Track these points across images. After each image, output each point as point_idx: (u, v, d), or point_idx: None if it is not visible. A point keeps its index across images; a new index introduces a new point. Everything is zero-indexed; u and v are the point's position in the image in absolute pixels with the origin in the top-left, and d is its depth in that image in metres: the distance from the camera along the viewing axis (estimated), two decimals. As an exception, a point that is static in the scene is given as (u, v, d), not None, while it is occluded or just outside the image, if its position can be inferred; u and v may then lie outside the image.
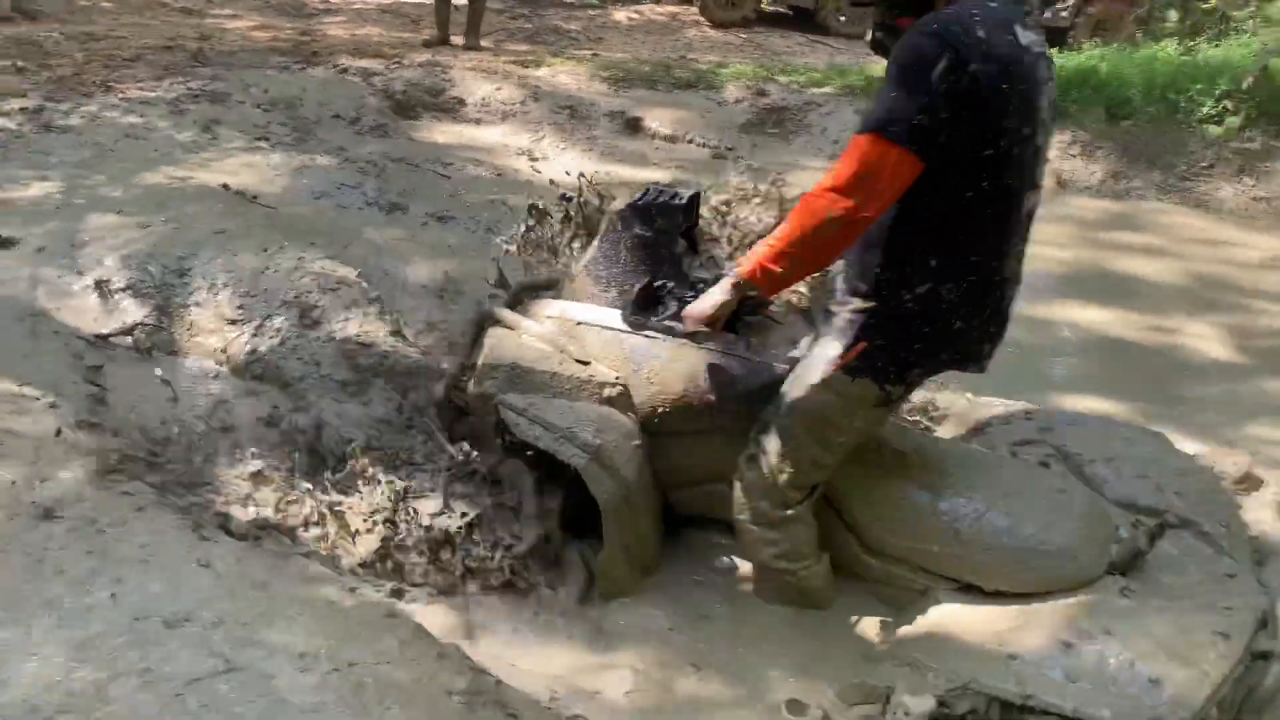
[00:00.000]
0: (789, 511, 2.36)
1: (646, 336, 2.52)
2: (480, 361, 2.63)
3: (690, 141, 7.01)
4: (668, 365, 2.50)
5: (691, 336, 2.40)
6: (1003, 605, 2.30)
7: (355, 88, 6.82)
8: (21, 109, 5.36)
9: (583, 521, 2.55)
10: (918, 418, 3.19)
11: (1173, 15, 9.10)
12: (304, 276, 3.63)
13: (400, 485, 2.53)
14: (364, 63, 7.35)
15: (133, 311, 3.52)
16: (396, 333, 3.56)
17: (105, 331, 3.46)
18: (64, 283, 3.59)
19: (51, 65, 6.57)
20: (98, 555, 2.05)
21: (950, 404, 3.23)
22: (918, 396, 3.31)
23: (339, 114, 6.30)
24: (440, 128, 6.68)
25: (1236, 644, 2.10)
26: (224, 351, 3.43)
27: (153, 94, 6.00)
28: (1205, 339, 4.39)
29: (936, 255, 2.09)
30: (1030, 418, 2.91)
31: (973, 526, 2.36)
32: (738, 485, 2.40)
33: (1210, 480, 2.75)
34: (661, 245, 2.60)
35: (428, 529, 2.42)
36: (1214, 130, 6.76)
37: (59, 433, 2.54)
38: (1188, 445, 3.26)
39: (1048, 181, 6.54)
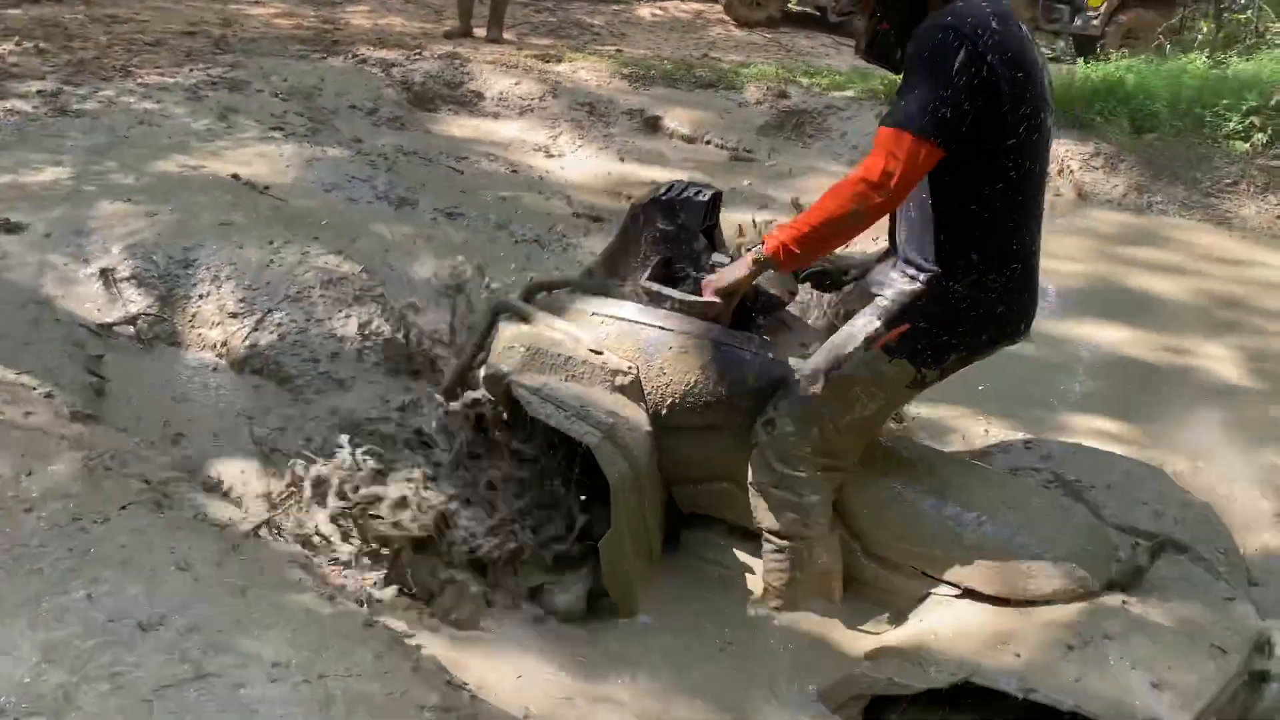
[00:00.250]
0: (803, 474, 2.37)
1: (658, 328, 2.50)
2: (494, 344, 2.62)
3: (709, 142, 6.96)
4: (680, 357, 2.48)
5: (706, 309, 2.42)
6: (1004, 610, 2.29)
7: (374, 79, 6.81)
8: (39, 92, 5.39)
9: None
10: (923, 434, 3.16)
11: (1204, 27, 8.96)
12: (308, 271, 3.62)
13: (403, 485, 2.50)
14: (384, 53, 7.34)
15: (136, 301, 3.54)
16: (400, 329, 3.55)
17: (108, 321, 3.47)
18: (69, 270, 3.61)
19: (73, 48, 6.60)
20: (77, 554, 2.03)
21: (954, 425, 3.19)
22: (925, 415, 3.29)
23: (356, 105, 6.29)
24: (457, 121, 6.66)
25: (1234, 659, 2.09)
26: (224, 345, 3.43)
27: (171, 80, 6.02)
28: (1220, 361, 4.31)
29: (979, 248, 2.20)
30: (1030, 447, 2.87)
31: (975, 533, 2.36)
32: (754, 451, 2.42)
33: (1207, 510, 2.72)
34: (682, 241, 2.59)
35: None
36: (1240, 147, 6.64)
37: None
38: (1195, 473, 3.24)
39: (1069, 193, 6.54)
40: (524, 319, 2.65)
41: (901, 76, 2.10)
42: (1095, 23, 10.99)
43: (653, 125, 7.06)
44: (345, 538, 2.46)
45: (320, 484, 2.44)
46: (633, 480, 2.39)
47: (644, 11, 11.60)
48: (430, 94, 6.91)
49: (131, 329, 3.47)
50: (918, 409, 3.35)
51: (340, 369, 3.30)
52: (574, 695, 2.17)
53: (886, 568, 2.47)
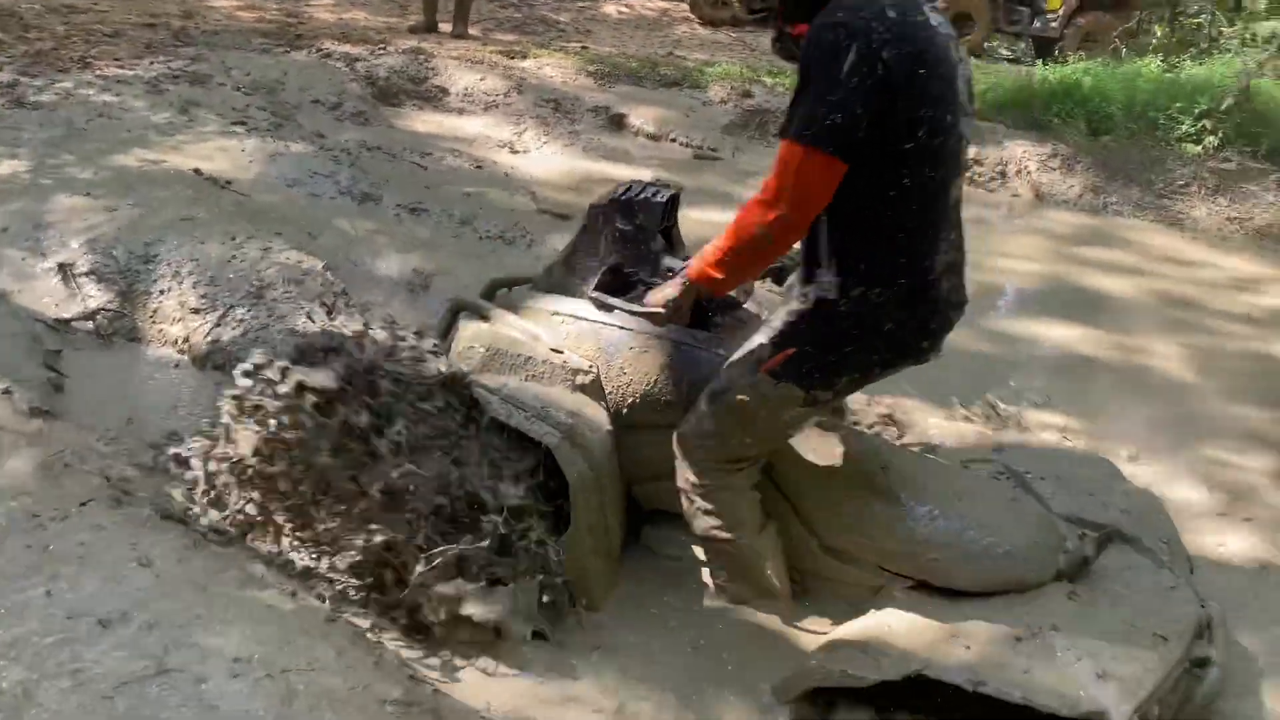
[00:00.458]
0: (709, 482, 2.37)
1: (618, 327, 2.53)
2: (454, 344, 2.64)
3: (673, 140, 7.00)
4: (639, 357, 2.51)
5: (650, 317, 2.43)
6: (955, 602, 2.34)
7: (337, 73, 6.78)
8: (-5, 84, 5.32)
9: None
10: (876, 427, 3.21)
11: (1159, 31, 9.13)
12: (270, 267, 3.62)
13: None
14: (348, 48, 7.31)
15: (96, 297, 3.52)
16: (362, 326, 3.55)
17: (66, 316, 3.45)
18: (26, 265, 3.58)
19: (29, 38, 6.51)
20: (36, 550, 2.03)
21: (907, 419, 3.25)
22: (876, 406, 3.34)
23: (320, 99, 6.26)
24: (422, 116, 6.64)
25: (1176, 647, 2.15)
26: (186, 340, 3.42)
27: (130, 72, 5.95)
28: (1170, 359, 4.41)
29: (865, 258, 2.06)
30: (980, 440, 2.94)
31: (927, 527, 2.40)
32: (676, 458, 2.42)
33: (1151, 500, 2.80)
34: (640, 241, 2.61)
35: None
36: (1191, 149, 6.80)
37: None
38: (1141, 467, 3.33)
39: (1027, 194, 6.66)
40: (484, 317, 2.67)
41: (798, 77, 1.95)
42: (1054, 25, 11.16)
43: (618, 123, 7.08)
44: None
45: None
46: (593, 480, 2.42)
47: (610, 9, 11.61)
48: (394, 89, 6.89)
49: (91, 324, 3.45)
50: (868, 400, 3.39)
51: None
52: (535, 690, 2.19)
53: (842, 560, 2.51)
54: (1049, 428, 3.53)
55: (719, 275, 2.14)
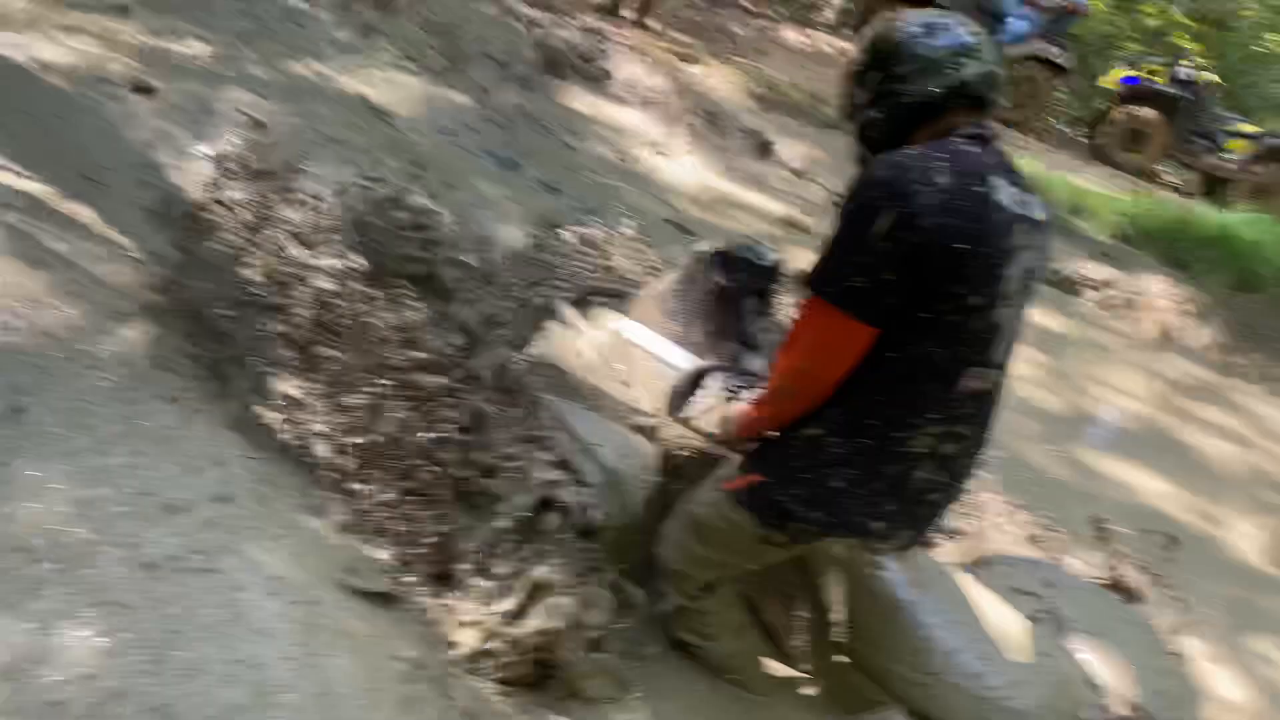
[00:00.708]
0: (684, 601, 2.34)
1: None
2: (531, 353, 2.71)
3: (814, 181, 7.00)
4: (704, 417, 2.54)
5: (707, 436, 2.40)
6: None
7: (515, 32, 6.93)
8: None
9: None
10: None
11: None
12: (398, 210, 3.74)
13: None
14: (531, 10, 7.46)
15: (233, 191, 3.67)
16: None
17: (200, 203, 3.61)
18: (184, 145, 3.76)
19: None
20: (127, 422, 2.17)
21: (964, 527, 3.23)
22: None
23: (491, 54, 6.41)
24: (581, 95, 6.76)
25: None
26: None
27: (325, -20, 6.17)
28: (1249, 540, 4.29)
29: (834, 405, 1.89)
30: (1036, 569, 2.90)
31: (944, 660, 2.36)
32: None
33: (1188, 686, 2.74)
34: (734, 298, 2.66)
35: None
36: (1335, 329, 6.57)
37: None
38: (1186, 641, 3.25)
39: (1152, 331, 6.49)
40: (568, 326, 2.74)
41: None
42: (1229, 165, 10.82)
43: (765, 150, 7.12)
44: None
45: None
46: (623, 532, 2.44)
47: (790, 35, 11.62)
48: (563, 61, 7.01)
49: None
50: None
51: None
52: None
53: (851, 665, 2.50)
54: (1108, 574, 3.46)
55: (762, 429, 2.06)
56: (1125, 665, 2.62)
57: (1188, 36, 14.61)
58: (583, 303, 2.89)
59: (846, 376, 1.85)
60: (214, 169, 3.71)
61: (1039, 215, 1.88)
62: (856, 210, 1.76)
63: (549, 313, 2.81)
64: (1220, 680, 3.14)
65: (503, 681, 2.03)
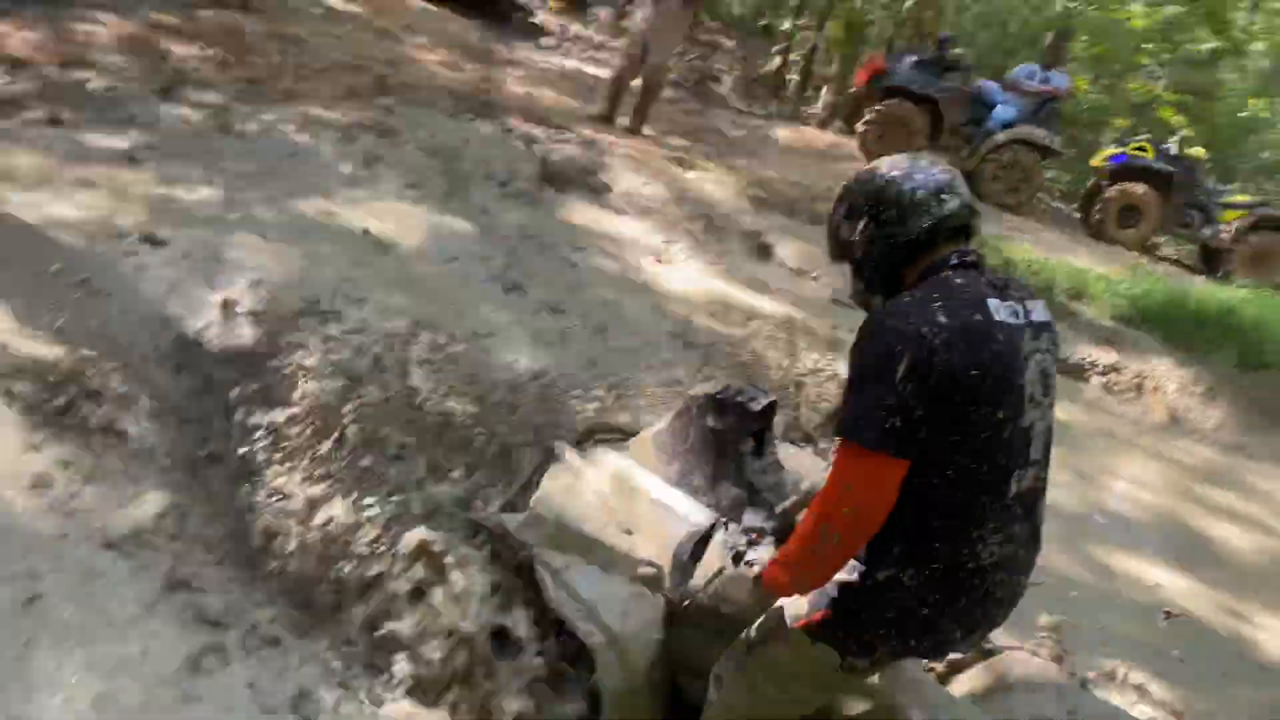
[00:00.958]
0: None
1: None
2: (531, 507, 2.73)
3: (815, 279, 7.08)
4: (708, 562, 2.53)
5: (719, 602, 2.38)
6: None
7: (515, 150, 7.08)
8: (210, 104, 5.76)
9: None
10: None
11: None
12: (412, 346, 3.81)
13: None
14: (528, 126, 7.64)
15: (247, 338, 3.75)
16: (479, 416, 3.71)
17: (216, 350, 3.68)
18: (196, 294, 3.84)
19: (248, 62, 7.02)
20: (143, 605, 2.18)
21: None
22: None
23: (493, 174, 6.54)
24: (582, 208, 6.87)
25: None
26: (316, 399, 3.61)
27: (328, 114, 6.34)
28: (1277, 635, 4.22)
29: (898, 541, 1.98)
30: (1061, 695, 2.85)
31: None
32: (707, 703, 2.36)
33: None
34: (729, 441, 2.69)
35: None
36: (1345, 407, 6.54)
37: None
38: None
39: (1159, 415, 6.48)
40: (570, 469, 2.77)
41: (849, 369, 1.96)
42: (1224, 236, 10.90)
43: (764, 252, 7.21)
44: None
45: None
46: (627, 694, 2.45)
47: (782, 132, 11.86)
48: (564, 175, 7.14)
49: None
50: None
51: (425, 448, 3.45)
52: None
53: None
54: (1135, 690, 3.41)
55: (787, 581, 2.06)
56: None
57: (1172, 109, 14.88)
58: (583, 443, 2.92)
59: (894, 514, 1.92)
60: (223, 316, 3.80)
61: (1040, 317, 2.02)
62: (875, 359, 1.87)
63: (554, 458, 2.84)
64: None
65: None
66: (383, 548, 2.93)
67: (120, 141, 4.97)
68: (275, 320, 3.81)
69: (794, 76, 14.54)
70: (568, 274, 5.53)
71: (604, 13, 14.08)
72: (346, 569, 2.81)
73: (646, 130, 9.12)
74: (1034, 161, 10.68)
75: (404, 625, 2.55)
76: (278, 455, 3.29)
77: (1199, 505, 5.31)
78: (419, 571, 2.73)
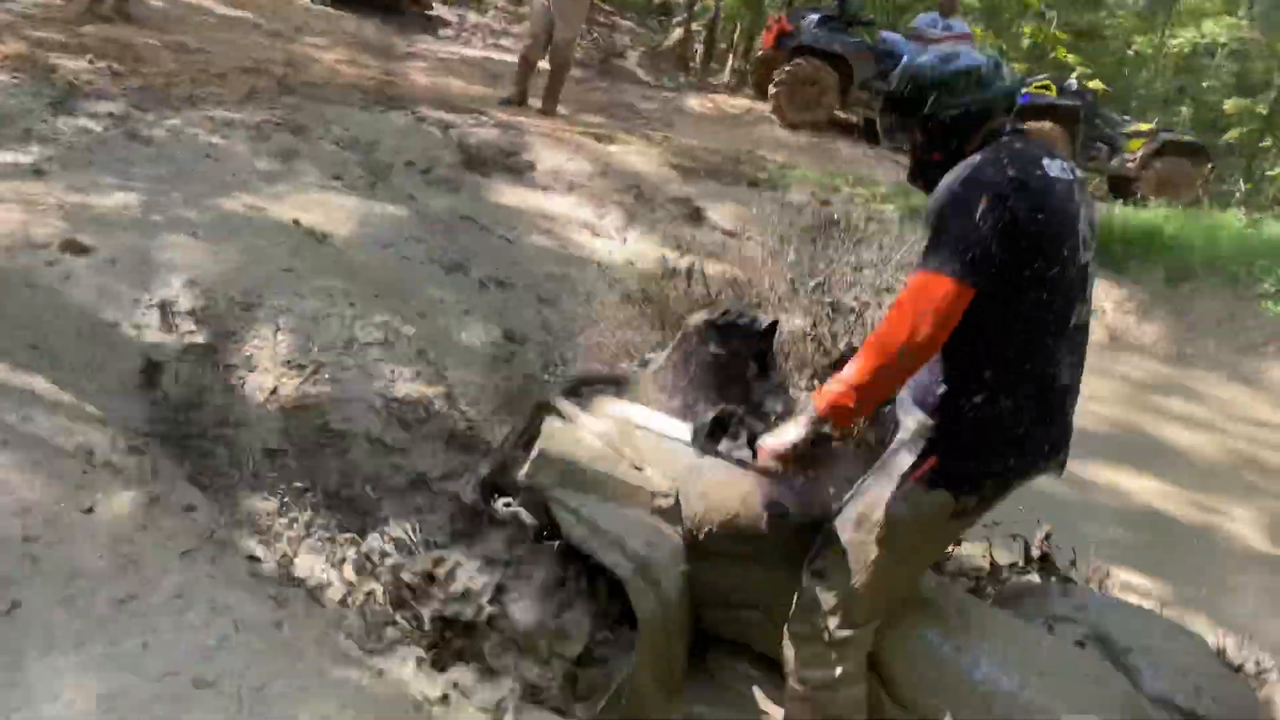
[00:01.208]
0: (845, 633, 2.32)
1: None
2: (535, 452, 2.62)
3: (749, 239, 7.05)
4: (723, 485, 2.47)
5: (764, 471, 2.39)
6: None
7: (432, 138, 6.92)
8: (110, 114, 5.49)
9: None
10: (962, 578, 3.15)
11: (1242, 184, 9.15)
12: (365, 326, 3.66)
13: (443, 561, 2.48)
14: (443, 113, 7.48)
15: (191, 337, 3.56)
16: (447, 395, 3.59)
17: (159, 357, 3.49)
18: (130, 298, 3.64)
19: (143, 72, 6.73)
20: (132, 598, 2.03)
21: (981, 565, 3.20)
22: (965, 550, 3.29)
23: (413, 161, 6.37)
24: (508, 190, 6.74)
25: None
26: (274, 391, 3.45)
27: (236, 116, 6.10)
28: (1246, 524, 4.32)
29: (990, 369, 2.22)
30: (1067, 594, 2.86)
31: (1006, 701, 2.31)
32: (799, 600, 2.37)
33: (1246, 691, 2.69)
34: (733, 366, 2.61)
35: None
36: (1273, 309, 6.74)
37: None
38: (1223, 638, 3.22)
39: (1101, 336, 6.61)
40: (568, 420, 2.66)
41: (929, 226, 2.16)
42: (1131, 166, 11.21)
43: (696, 216, 7.15)
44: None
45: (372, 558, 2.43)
46: (661, 617, 2.37)
47: (694, 102, 11.83)
48: (484, 159, 7.00)
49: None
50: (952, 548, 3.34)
51: (389, 430, 3.31)
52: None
53: (910, 713, 2.43)
54: (1127, 586, 3.44)
55: (851, 404, 2.20)
56: (1178, 676, 2.57)
57: (1064, 50, 15.25)
58: (576, 393, 2.82)
59: (984, 344, 2.18)
60: (162, 319, 3.61)
61: (1080, 175, 2.29)
62: (955, 204, 2.10)
63: (546, 409, 2.73)
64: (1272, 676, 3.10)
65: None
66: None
67: (22, 156, 4.69)
68: (217, 317, 3.63)
69: (699, 46, 14.54)
70: (506, 251, 5.41)
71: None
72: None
73: (560, 110, 9.00)
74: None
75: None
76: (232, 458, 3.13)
77: (1152, 414, 5.43)
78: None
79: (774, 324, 2.72)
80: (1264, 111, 15.53)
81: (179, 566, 2.18)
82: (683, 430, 2.57)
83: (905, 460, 2.28)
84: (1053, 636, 2.65)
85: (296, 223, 4.53)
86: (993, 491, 2.32)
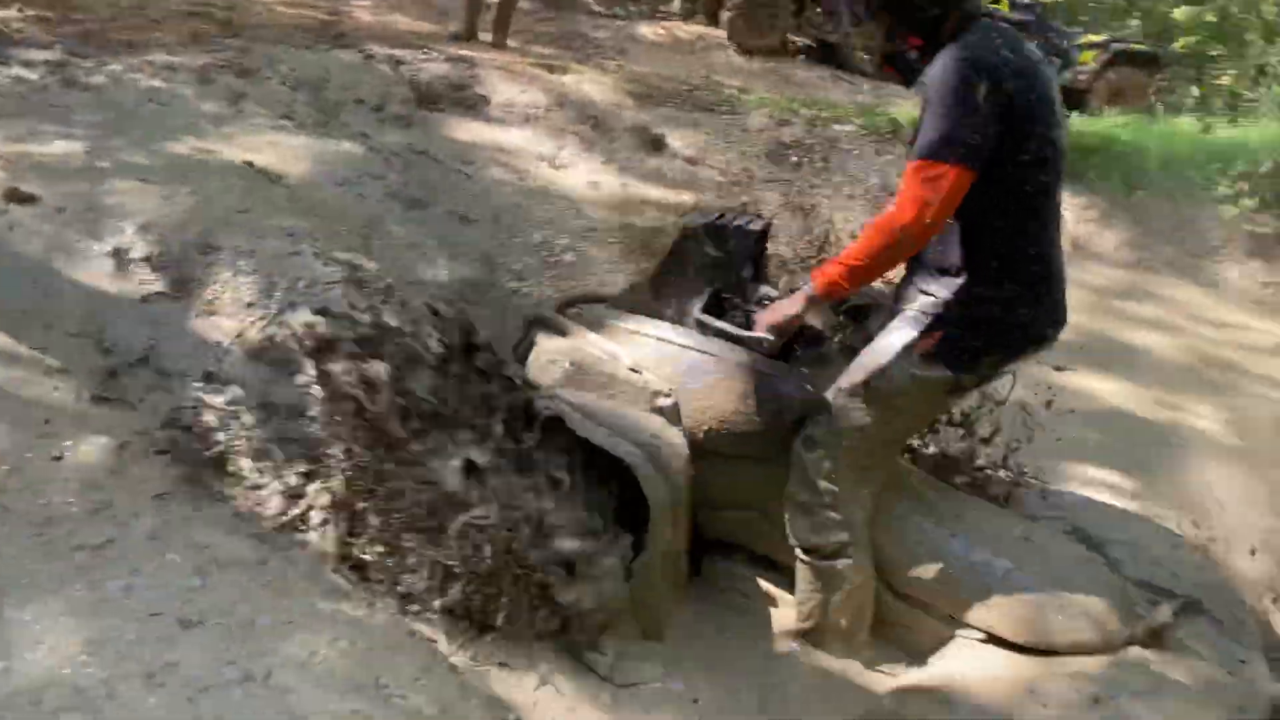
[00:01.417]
0: (845, 489, 2.40)
1: (699, 352, 2.51)
2: (532, 359, 2.61)
3: (710, 165, 6.98)
4: (720, 384, 2.49)
5: (758, 344, 2.44)
6: (1028, 659, 2.33)
7: (382, 75, 6.74)
8: (45, 61, 5.28)
9: None
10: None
11: (1194, 90, 9.18)
12: (327, 265, 3.58)
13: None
14: (391, 50, 7.28)
15: (149, 284, 3.47)
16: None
17: (116, 304, 3.40)
18: (81, 246, 3.53)
19: (75, 19, 6.48)
20: (110, 542, 1.99)
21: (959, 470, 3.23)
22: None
23: (364, 99, 6.21)
24: (463, 124, 6.60)
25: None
26: (239, 335, 3.38)
27: (178, 59, 5.89)
28: (1208, 420, 4.40)
29: (998, 255, 2.31)
30: (1045, 497, 2.91)
31: (1003, 581, 2.40)
32: (794, 469, 2.44)
33: (1219, 572, 2.78)
34: (729, 267, 2.60)
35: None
36: (1228, 211, 6.81)
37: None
38: (1191, 531, 3.29)
39: (1063, 245, 6.64)
40: (561, 333, 2.64)
41: (924, 109, 2.22)
42: (1084, 77, 11.19)
43: (656, 144, 7.05)
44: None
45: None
46: (671, 505, 2.39)
47: (646, 30, 11.60)
48: (436, 94, 6.83)
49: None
50: (922, 445, 3.36)
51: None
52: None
53: (912, 606, 2.49)
54: (1102, 485, 3.50)
55: (847, 285, 2.30)
56: (1153, 564, 2.64)
57: (1013, -38, 15.09)
58: (566, 309, 2.79)
59: (987, 232, 2.25)
60: (119, 266, 3.51)
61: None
62: (957, 85, 2.14)
63: (540, 325, 2.70)
64: (1234, 558, 3.19)
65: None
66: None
67: (-49, 108, 4.52)
68: (175, 262, 3.54)
69: (649, -28, 14.22)
70: (466, 186, 5.32)
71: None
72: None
73: (511, 42, 8.81)
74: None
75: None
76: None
77: (1116, 319, 5.49)
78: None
79: (768, 225, 2.71)
80: (1213, 19, 15.55)
81: (154, 509, 2.14)
82: (678, 334, 2.56)
83: (908, 334, 2.35)
84: (1039, 525, 2.71)
85: (249, 164, 4.41)
86: (989, 370, 2.45)
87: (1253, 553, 3.25)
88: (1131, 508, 3.34)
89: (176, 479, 2.31)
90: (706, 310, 2.57)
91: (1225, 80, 11.69)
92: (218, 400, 3.01)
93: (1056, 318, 2.45)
